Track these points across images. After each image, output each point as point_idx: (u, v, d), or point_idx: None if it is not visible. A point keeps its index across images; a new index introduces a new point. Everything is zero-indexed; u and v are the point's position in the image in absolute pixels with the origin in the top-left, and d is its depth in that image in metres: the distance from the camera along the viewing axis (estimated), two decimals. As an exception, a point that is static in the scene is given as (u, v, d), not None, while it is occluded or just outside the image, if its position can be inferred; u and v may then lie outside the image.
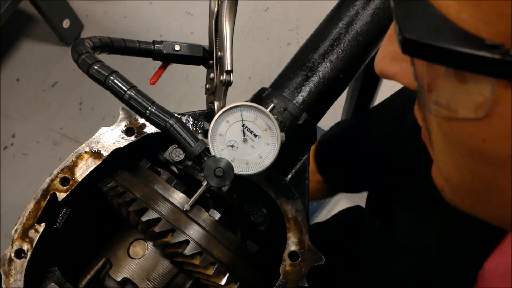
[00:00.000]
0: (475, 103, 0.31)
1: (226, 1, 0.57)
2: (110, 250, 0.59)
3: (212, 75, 0.62)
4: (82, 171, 0.58)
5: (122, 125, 0.60)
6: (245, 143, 0.55)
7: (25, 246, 0.55)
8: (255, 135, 0.55)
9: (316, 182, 0.91)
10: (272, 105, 0.60)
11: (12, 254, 0.55)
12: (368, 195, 0.82)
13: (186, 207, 0.54)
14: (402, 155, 0.64)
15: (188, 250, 0.53)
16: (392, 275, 0.65)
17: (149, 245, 0.58)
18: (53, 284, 0.57)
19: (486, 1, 0.28)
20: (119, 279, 0.57)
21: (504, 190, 0.35)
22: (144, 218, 0.54)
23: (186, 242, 0.53)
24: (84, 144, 0.59)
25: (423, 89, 0.34)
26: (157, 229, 0.54)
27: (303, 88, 0.64)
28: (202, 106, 0.66)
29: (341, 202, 1.57)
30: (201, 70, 0.66)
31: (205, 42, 0.64)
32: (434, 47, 0.29)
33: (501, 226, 0.39)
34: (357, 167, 0.83)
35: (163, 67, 0.64)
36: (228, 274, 0.54)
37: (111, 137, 0.59)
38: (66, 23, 1.83)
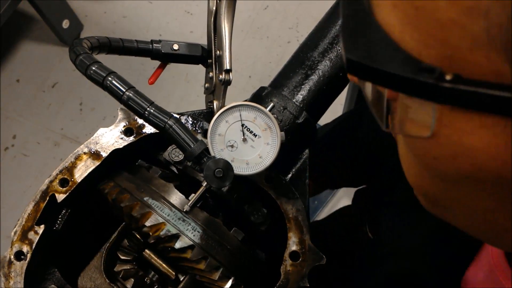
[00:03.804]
0: (422, 123, 0.31)
1: (224, 0, 0.56)
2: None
3: (211, 74, 0.62)
4: (81, 172, 0.58)
5: (121, 126, 0.60)
6: (245, 143, 0.55)
7: (25, 248, 0.55)
8: (254, 135, 0.55)
9: None
10: (271, 104, 0.59)
11: (12, 256, 0.54)
12: (354, 197, 0.82)
13: (186, 208, 0.54)
14: (390, 155, 0.64)
15: (193, 255, 0.53)
16: (380, 276, 0.65)
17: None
18: (53, 285, 0.57)
19: (424, 24, 0.28)
20: None
21: (461, 203, 0.35)
22: (148, 223, 0.54)
23: (191, 247, 0.53)
24: (83, 145, 0.59)
25: (382, 103, 0.34)
26: (147, 223, 0.53)
27: (302, 86, 0.63)
28: (202, 105, 0.66)
29: (342, 201, 1.57)
30: (201, 69, 0.66)
31: (204, 41, 0.64)
32: (373, 69, 0.29)
33: (472, 235, 0.40)
34: (348, 166, 0.82)
35: (162, 67, 0.64)
36: (233, 278, 0.54)
37: (110, 138, 0.59)
38: (65, 24, 1.82)
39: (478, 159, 0.29)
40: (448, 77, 0.27)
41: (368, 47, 0.30)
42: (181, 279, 0.58)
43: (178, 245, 0.53)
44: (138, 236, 0.59)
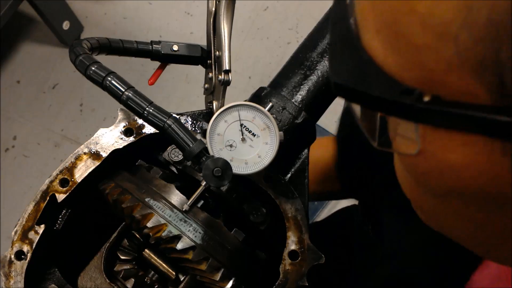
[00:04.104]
0: (409, 141, 0.32)
1: (223, 1, 0.56)
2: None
3: (210, 74, 0.62)
4: (81, 172, 0.58)
5: (121, 126, 0.60)
6: (244, 142, 0.55)
7: (25, 248, 0.55)
8: (253, 135, 0.55)
9: (333, 185, 0.90)
10: (270, 104, 0.60)
11: (12, 256, 0.55)
12: (360, 197, 0.81)
13: (185, 207, 0.54)
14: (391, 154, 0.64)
15: (195, 256, 0.53)
16: (380, 279, 0.65)
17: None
18: (53, 285, 0.57)
19: (403, 48, 0.29)
20: None
21: (453, 217, 0.36)
22: (150, 224, 0.54)
23: (193, 248, 0.53)
24: (83, 145, 0.59)
25: (373, 121, 0.35)
26: (149, 224, 0.54)
27: (301, 87, 0.63)
28: (202, 106, 0.66)
29: (342, 201, 1.57)
30: (201, 70, 0.66)
31: (204, 42, 0.64)
32: (357, 92, 0.31)
33: (470, 249, 0.40)
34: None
35: (162, 68, 0.64)
36: (234, 278, 0.55)
37: (110, 138, 0.59)
38: (66, 25, 1.83)
39: (463, 175, 0.30)
40: (426, 98, 0.28)
41: (353, 70, 0.31)
42: (182, 279, 0.59)
43: (179, 246, 0.53)
44: (138, 236, 0.60)
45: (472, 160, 0.29)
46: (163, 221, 0.54)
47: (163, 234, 0.53)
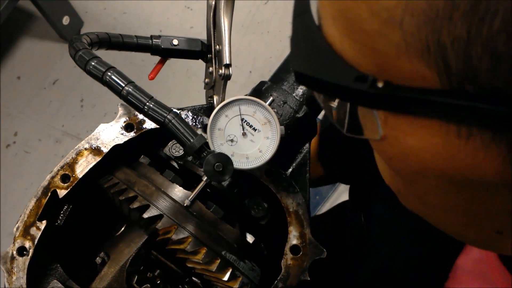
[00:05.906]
0: (372, 126, 0.32)
1: (223, -5, 0.56)
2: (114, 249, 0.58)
3: (211, 69, 0.62)
4: (82, 168, 0.58)
5: (122, 121, 0.60)
6: (245, 137, 0.55)
7: (27, 244, 0.55)
8: (254, 129, 0.55)
9: (317, 170, 0.91)
10: (271, 98, 0.59)
11: (14, 252, 0.55)
12: (350, 188, 0.82)
13: (187, 202, 0.54)
14: None
15: (190, 247, 0.53)
16: (369, 270, 0.65)
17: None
18: (55, 281, 0.57)
19: (357, 34, 0.29)
20: None
21: (424, 200, 0.37)
22: (146, 215, 0.54)
23: (188, 239, 0.53)
24: (83, 141, 0.59)
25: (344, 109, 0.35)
26: (159, 226, 0.54)
27: (302, 81, 0.63)
28: (202, 101, 0.66)
29: (343, 195, 1.57)
30: (201, 64, 0.66)
31: (205, 37, 0.64)
32: (317, 80, 0.31)
33: (444, 231, 0.40)
34: (352, 157, 0.83)
35: (162, 62, 0.64)
36: (231, 270, 0.55)
37: (111, 133, 0.59)
38: (65, 20, 1.83)
39: (423, 158, 0.31)
40: (379, 84, 0.28)
41: (314, 58, 0.32)
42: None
43: (189, 247, 0.53)
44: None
45: (430, 142, 0.30)
46: (157, 212, 0.54)
47: (159, 226, 0.53)
